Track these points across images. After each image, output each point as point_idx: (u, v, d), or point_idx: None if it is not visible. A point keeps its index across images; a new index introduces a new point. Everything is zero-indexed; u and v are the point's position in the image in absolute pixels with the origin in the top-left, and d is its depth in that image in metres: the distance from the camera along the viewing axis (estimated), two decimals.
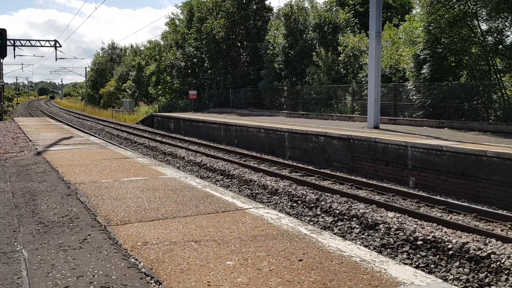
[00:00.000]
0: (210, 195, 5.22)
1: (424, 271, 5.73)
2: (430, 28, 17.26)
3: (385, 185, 11.44)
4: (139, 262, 3.15)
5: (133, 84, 53.56)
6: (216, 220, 4.15)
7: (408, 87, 18.96)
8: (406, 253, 7.05)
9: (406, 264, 5.65)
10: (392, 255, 6.97)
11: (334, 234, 5.05)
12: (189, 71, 37.85)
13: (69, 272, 3.03)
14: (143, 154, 15.84)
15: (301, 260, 3.09)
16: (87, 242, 3.63)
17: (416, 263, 6.67)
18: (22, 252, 3.44)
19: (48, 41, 40.91)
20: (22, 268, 3.12)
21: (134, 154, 9.55)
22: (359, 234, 7.92)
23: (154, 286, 2.79)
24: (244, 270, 2.96)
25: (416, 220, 8.34)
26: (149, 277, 2.91)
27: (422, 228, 7.71)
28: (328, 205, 9.26)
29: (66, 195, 5.29)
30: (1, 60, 29.67)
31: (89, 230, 3.96)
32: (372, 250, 5.75)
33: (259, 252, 3.27)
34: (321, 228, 7.78)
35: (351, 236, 7.86)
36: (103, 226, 4.05)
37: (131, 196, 5.17)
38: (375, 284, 2.68)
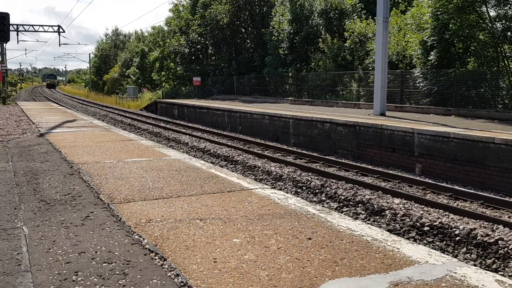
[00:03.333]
0: (215, 175, 5.12)
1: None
2: (438, 13, 16.96)
3: (391, 172, 11.32)
4: (143, 239, 3.06)
5: (137, 71, 53.37)
6: (222, 199, 4.05)
7: (415, 74, 18.72)
8: (413, 239, 6.96)
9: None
10: (398, 236, 6.89)
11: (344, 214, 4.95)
12: (193, 57, 37.60)
13: (71, 248, 2.94)
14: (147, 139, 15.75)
15: (310, 239, 2.99)
16: (89, 219, 3.55)
17: None
18: (22, 229, 3.35)
19: (52, 26, 40.67)
20: (22, 244, 3.04)
21: (138, 137, 9.46)
22: (365, 219, 7.83)
23: (159, 262, 2.70)
24: (252, 247, 2.86)
25: (423, 206, 8.24)
26: (153, 253, 2.82)
27: (429, 214, 7.61)
28: (333, 191, 9.16)
29: (69, 174, 5.21)
30: (5, 45, 29.57)
31: (91, 207, 3.87)
32: None
33: (266, 231, 3.17)
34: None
35: (356, 221, 7.77)
36: (106, 204, 3.96)
37: (134, 176, 5.08)
38: (388, 263, 2.58)
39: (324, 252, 2.76)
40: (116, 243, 3.02)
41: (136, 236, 3.13)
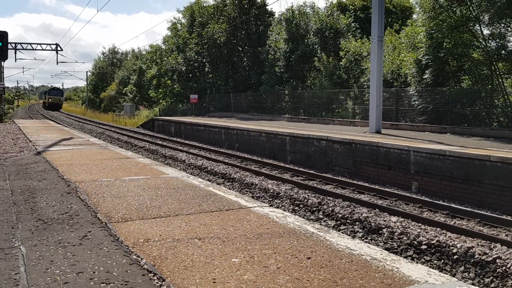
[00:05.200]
0: (213, 193, 5.12)
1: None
2: (432, 32, 17.22)
3: (387, 189, 11.34)
4: (141, 259, 3.05)
5: (134, 88, 53.58)
6: (220, 218, 4.04)
7: (410, 92, 18.89)
8: (410, 257, 6.94)
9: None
10: (397, 255, 6.86)
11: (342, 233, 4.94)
12: (190, 75, 37.83)
13: (69, 268, 2.92)
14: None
15: (309, 258, 2.99)
16: (87, 239, 3.53)
17: None
18: (20, 248, 3.33)
19: (50, 44, 40.97)
20: (20, 264, 3.01)
21: (135, 155, 9.45)
22: (363, 238, 7.81)
23: (157, 283, 2.68)
24: (251, 267, 2.85)
25: (420, 224, 8.24)
26: (152, 274, 2.81)
27: (426, 232, 7.60)
28: (330, 209, 9.15)
29: (66, 193, 5.19)
30: (2, 63, 29.66)
31: (89, 227, 3.85)
32: None
33: (265, 250, 3.17)
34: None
35: (354, 240, 7.74)
36: (103, 223, 3.94)
37: (132, 194, 5.07)
38: (387, 283, 2.57)
39: (324, 272, 2.76)
40: (114, 263, 3.01)
41: (134, 256, 3.11)
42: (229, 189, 11.49)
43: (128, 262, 3.02)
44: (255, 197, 10.55)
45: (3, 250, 3.29)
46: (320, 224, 6.47)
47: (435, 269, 6.38)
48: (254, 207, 4.49)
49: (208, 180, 12.76)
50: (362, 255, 3.05)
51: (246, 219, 3.98)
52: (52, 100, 72.55)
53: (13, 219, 4.14)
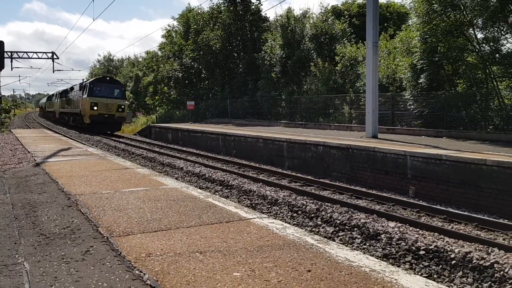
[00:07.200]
0: (212, 205, 5.17)
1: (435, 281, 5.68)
2: (427, 37, 17.37)
3: (385, 194, 11.40)
4: (144, 274, 3.10)
5: (130, 95, 53.60)
6: (220, 230, 4.09)
7: (406, 97, 19.02)
8: (409, 263, 6.99)
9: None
10: (395, 265, 6.90)
11: (341, 243, 4.99)
12: (187, 82, 37.92)
13: (73, 285, 2.97)
14: (142, 165, 15.75)
15: (309, 271, 3.04)
16: (89, 254, 3.57)
17: (419, 273, 6.61)
18: (24, 265, 3.37)
19: (46, 53, 40.95)
20: (25, 281, 3.05)
21: (133, 165, 9.49)
22: (361, 244, 7.85)
23: None
24: (252, 281, 2.90)
25: (418, 229, 8.29)
26: None
27: (424, 237, 7.65)
28: (328, 215, 9.19)
29: (67, 206, 5.23)
30: None
31: (91, 241, 3.90)
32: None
33: (266, 263, 3.22)
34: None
35: (352, 246, 7.79)
36: (105, 237, 3.99)
37: (132, 207, 5.11)
38: None
39: (324, 285, 2.81)
40: (117, 279, 3.05)
41: (137, 271, 3.16)
42: (227, 196, 11.55)
43: (131, 278, 3.06)
44: (254, 204, 10.59)
45: (7, 267, 3.33)
46: (319, 235, 6.52)
47: (434, 275, 6.44)
48: (253, 218, 4.54)
49: (206, 187, 12.79)
50: (361, 266, 3.10)
51: (246, 231, 4.03)
52: (100, 110, 30.65)
53: (15, 234, 4.18)
